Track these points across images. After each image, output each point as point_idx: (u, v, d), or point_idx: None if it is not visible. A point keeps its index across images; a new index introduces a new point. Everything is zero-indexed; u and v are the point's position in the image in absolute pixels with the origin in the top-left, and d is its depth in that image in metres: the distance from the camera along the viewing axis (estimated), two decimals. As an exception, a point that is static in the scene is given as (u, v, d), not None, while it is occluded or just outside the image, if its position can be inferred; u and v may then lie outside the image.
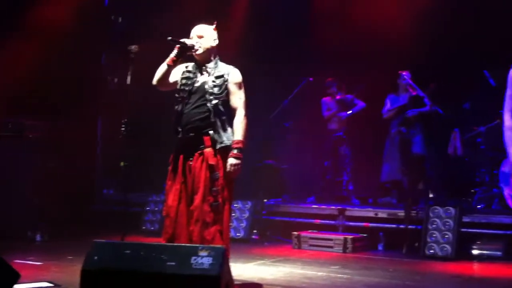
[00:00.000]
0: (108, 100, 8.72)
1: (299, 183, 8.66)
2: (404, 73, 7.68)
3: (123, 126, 4.59)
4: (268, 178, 7.79)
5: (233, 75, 4.18)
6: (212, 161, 3.99)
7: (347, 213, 7.28)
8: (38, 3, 7.77)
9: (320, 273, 5.22)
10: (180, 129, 4.10)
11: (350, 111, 8.18)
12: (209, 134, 4.03)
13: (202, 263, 3.20)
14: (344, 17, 8.19)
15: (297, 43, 8.82)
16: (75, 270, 4.85)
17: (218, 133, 4.05)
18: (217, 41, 4.24)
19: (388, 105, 7.87)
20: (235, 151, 4.01)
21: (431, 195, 7.42)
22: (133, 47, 4.72)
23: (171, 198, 4.03)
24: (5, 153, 7.04)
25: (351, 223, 7.21)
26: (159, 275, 3.20)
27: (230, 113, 4.15)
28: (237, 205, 7.60)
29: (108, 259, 3.28)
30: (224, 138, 4.06)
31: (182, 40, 4.11)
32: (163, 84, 4.22)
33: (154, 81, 4.21)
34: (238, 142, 4.04)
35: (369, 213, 7.19)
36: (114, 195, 8.88)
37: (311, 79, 8.05)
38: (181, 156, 4.08)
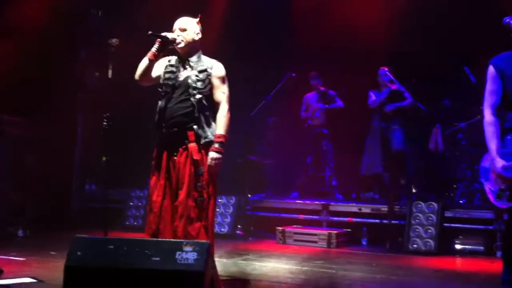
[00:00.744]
0: (88, 95, 8.62)
1: (282, 179, 8.66)
2: (385, 68, 7.73)
3: (104, 120, 4.52)
4: (251, 174, 7.77)
5: (217, 69, 4.12)
6: (196, 156, 3.94)
7: (331, 208, 7.32)
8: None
9: (304, 268, 5.23)
10: (163, 124, 4.04)
11: (328, 106, 8.21)
12: (193, 129, 3.97)
13: (186, 259, 3.17)
14: (326, 14, 8.20)
15: (279, 38, 8.80)
16: (58, 265, 4.78)
17: (202, 128, 3.99)
18: (200, 35, 4.17)
19: (373, 97, 7.87)
20: (216, 145, 3.97)
21: (414, 190, 7.49)
22: (114, 41, 4.65)
23: (156, 194, 3.98)
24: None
25: (335, 218, 7.25)
26: (143, 271, 3.16)
27: (214, 107, 4.10)
28: (221, 200, 7.60)
29: (91, 255, 3.23)
30: (209, 133, 4.00)
31: (163, 34, 4.04)
32: (145, 79, 4.15)
33: (136, 76, 4.13)
34: (219, 136, 4.00)
35: (353, 208, 7.23)
36: (95, 191, 8.78)
37: (293, 74, 8.04)
38: (165, 151, 4.03)
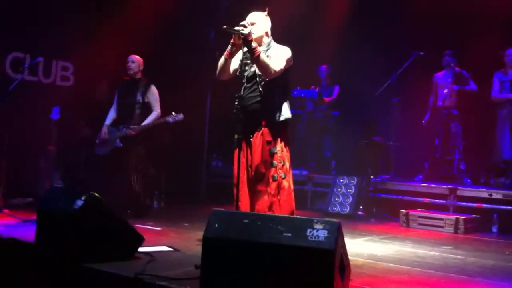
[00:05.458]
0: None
1: (407, 161, 8.43)
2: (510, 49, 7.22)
3: (236, 100, 4.71)
4: (375, 155, 7.68)
5: (274, 49, 4.44)
6: (268, 138, 4.38)
7: (459, 192, 7.05)
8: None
9: (431, 253, 5.11)
10: (241, 111, 4.35)
11: (462, 87, 7.84)
12: (264, 115, 4.41)
13: (317, 236, 3.24)
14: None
15: (407, 16, 8.52)
16: (192, 236, 5.16)
17: (273, 112, 4.41)
18: (268, 28, 4.53)
19: (496, 85, 7.44)
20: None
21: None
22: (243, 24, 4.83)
23: (238, 170, 4.31)
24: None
25: (462, 203, 6.98)
26: (275, 245, 3.27)
27: (284, 90, 4.52)
28: (343, 180, 7.63)
29: (227, 227, 3.40)
30: (277, 115, 4.40)
31: (236, 28, 4.30)
32: (225, 76, 4.58)
33: (216, 74, 4.57)
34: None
35: (483, 193, 6.90)
36: (222, 168, 9.11)
37: (422, 53, 7.78)
38: (245, 134, 4.43)
